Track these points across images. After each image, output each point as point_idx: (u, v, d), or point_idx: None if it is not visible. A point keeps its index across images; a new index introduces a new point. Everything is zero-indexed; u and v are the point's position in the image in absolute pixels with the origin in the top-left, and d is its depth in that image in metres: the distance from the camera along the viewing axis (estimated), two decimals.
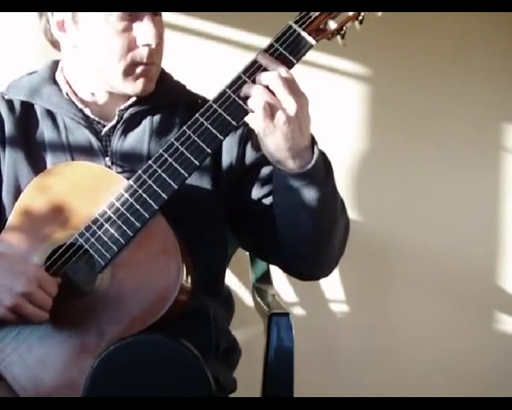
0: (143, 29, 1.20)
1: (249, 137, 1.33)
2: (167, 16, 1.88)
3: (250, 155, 1.32)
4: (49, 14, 1.24)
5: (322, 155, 1.18)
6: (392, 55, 2.12)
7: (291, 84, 1.12)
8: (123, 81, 1.24)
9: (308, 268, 1.31)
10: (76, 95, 1.29)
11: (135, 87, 1.25)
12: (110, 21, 1.19)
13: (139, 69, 1.23)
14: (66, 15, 1.22)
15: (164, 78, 1.34)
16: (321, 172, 1.16)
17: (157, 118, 1.30)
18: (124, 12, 1.18)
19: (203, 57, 2.01)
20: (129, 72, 1.23)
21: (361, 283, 2.16)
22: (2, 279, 1.11)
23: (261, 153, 1.20)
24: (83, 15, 1.21)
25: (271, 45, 1.16)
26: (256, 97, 1.11)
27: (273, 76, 1.11)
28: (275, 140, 1.12)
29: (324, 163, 1.18)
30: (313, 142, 1.17)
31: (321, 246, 1.24)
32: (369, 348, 2.16)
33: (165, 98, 1.31)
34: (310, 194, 1.16)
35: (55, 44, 1.30)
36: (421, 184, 2.17)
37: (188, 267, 1.15)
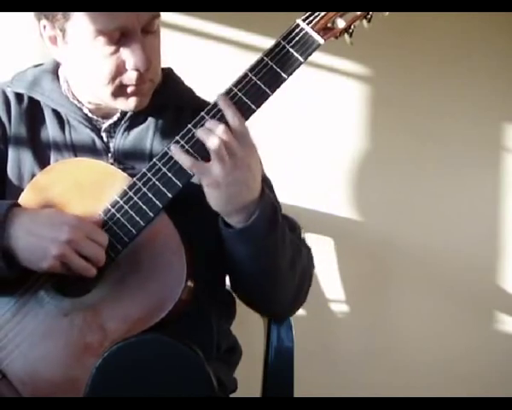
0: (132, 53, 1.17)
1: None
2: (167, 16, 1.89)
3: None
4: (42, 27, 1.22)
5: (270, 206, 1.16)
6: (393, 55, 2.12)
7: (240, 136, 1.11)
8: (114, 100, 1.22)
9: (258, 308, 1.32)
10: (74, 94, 1.29)
11: (126, 105, 1.23)
12: (97, 46, 1.16)
13: (129, 89, 1.21)
14: (57, 33, 1.19)
15: (173, 80, 1.33)
16: (260, 228, 1.15)
17: (162, 118, 1.29)
18: (111, 37, 1.15)
19: (203, 57, 2.01)
20: (118, 93, 1.21)
21: (361, 283, 2.16)
22: (46, 231, 1.09)
23: None
24: (72, 36, 1.18)
25: (279, 43, 1.16)
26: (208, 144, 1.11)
27: (214, 138, 1.10)
28: (217, 195, 1.12)
29: (270, 214, 1.16)
30: (262, 194, 1.16)
31: (263, 292, 1.24)
32: (369, 348, 2.16)
33: (171, 100, 1.30)
34: (246, 248, 1.16)
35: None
36: (421, 183, 2.17)
37: (191, 267, 1.14)
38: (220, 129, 1.11)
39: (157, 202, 1.13)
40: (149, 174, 1.14)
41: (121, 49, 1.17)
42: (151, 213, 1.13)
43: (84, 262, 1.10)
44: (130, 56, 1.17)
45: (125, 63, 1.18)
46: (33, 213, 1.14)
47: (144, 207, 1.14)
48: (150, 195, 1.14)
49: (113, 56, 1.17)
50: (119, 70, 1.18)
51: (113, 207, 1.14)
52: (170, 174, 1.14)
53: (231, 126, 1.11)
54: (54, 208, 1.16)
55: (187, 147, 1.14)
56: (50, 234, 1.09)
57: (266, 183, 1.32)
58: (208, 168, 1.11)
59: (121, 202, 1.14)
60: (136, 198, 1.14)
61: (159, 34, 1.23)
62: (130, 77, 1.19)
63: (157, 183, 1.14)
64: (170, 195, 1.13)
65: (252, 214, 1.14)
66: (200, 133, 1.12)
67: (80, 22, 1.14)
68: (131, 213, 1.14)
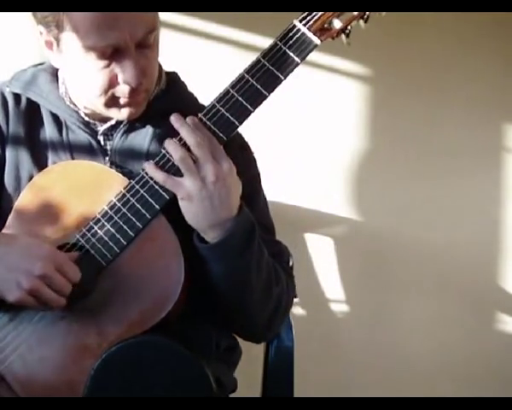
0: (124, 69, 1.15)
1: (248, 163, 1.33)
2: (167, 16, 1.89)
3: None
4: (38, 32, 1.20)
5: (247, 226, 1.15)
6: (392, 55, 2.12)
7: (212, 150, 1.11)
8: (106, 110, 1.21)
9: (229, 328, 1.31)
10: (70, 98, 1.28)
11: (119, 115, 1.22)
12: (89, 59, 1.14)
13: (122, 101, 1.19)
14: (52, 40, 1.18)
15: (176, 86, 1.33)
16: (233, 246, 1.14)
17: (161, 123, 1.26)
18: (103, 52, 1.13)
19: (203, 57, 2.01)
20: (111, 103, 1.20)
21: (361, 283, 2.16)
22: (19, 262, 1.09)
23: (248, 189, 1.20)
24: (65, 46, 1.17)
25: (275, 44, 1.15)
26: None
27: (193, 144, 1.11)
28: (192, 210, 1.12)
29: (245, 236, 1.15)
30: (240, 210, 1.15)
31: (232, 313, 1.23)
32: (369, 348, 2.16)
33: (172, 106, 1.29)
34: (218, 265, 1.15)
35: None
36: (421, 183, 2.17)
37: (188, 268, 1.14)
38: (187, 141, 1.12)
39: (154, 204, 1.13)
40: (147, 177, 1.14)
41: (114, 64, 1.15)
42: (148, 215, 1.13)
43: (55, 295, 1.09)
44: (121, 72, 1.15)
45: (117, 76, 1.16)
46: (8, 241, 1.14)
47: (142, 209, 1.14)
48: (148, 197, 1.14)
49: (105, 70, 1.16)
50: (112, 83, 1.17)
51: (110, 209, 1.14)
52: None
53: (191, 143, 1.11)
54: (29, 238, 1.15)
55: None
56: (23, 266, 1.09)
57: (259, 199, 1.33)
58: (181, 182, 1.12)
59: (119, 205, 1.14)
60: (133, 200, 1.14)
61: (157, 46, 1.21)
62: (122, 90, 1.17)
63: (154, 185, 1.14)
64: (167, 197, 1.13)
65: (227, 232, 1.13)
66: (168, 146, 1.13)
67: (72, 35, 1.13)
68: (129, 215, 1.14)
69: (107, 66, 1.15)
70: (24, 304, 1.10)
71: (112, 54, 1.14)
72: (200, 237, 1.16)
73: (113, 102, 1.20)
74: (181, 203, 1.13)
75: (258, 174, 1.35)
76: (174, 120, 1.14)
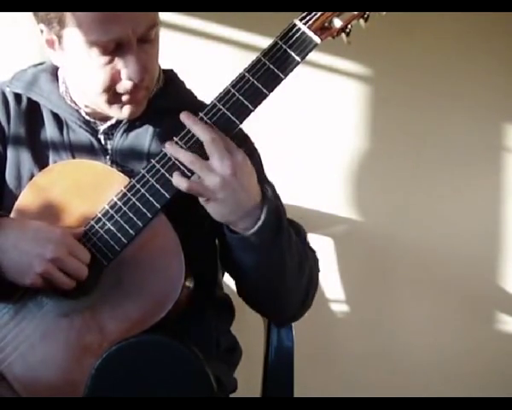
0: (127, 65, 1.15)
1: (251, 153, 1.33)
2: (167, 16, 1.89)
3: None
4: (39, 30, 1.20)
5: (274, 209, 1.15)
6: (392, 55, 2.12)
7: (224, 144, 1.11)
8: (108, 108, 1.21)
9: (265, 313, 1.33)
10: (71, 97, 1.28)
11: (121, 113, 1.22)
12: (92, 56, 1.15)
13: (124, 98, 1.20)
14: (54, 38, 1.18)
15: (174, 84, 1.33)
16: (267, 234, 1.14)
17: (161, 122, 1.27)
18: (106, 48, 1.13)
19: (203, 57, 2.01)
20: (113, 100, 1.20)
21: (361, 283, 2.16)
22: (31, 247, 1.10)
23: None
24: (68, 44, 1.17)
25: (276, 43, 1.15)
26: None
27: (208, 141, 1.10)
28: (219, 208, 1.12)
29: (275, 219, 1.15)
30: (264, 197, 1.15)
31: (270, 298, 1.23)
32: (368, 348, 2.16)
33: (171, 104, 1.29)
34: (254, 254, 1.15)
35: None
36: (421, 183, 2.17)
37: (189, 268, 1.14)
38: (202, 138, 1.11)
39: (155, 203, 1.13)
40: (148, 176, 1.14)
41: (116, 59, 1.16)
42: (149, 214, 1.13)
43: (67, 278, 1.10)
44: (124, 67, 1.16)
45: (119, 73, 1.16)
46: (20, 226, 1.14)
47: (142, 208, 1.14)
48: (148, 196, 1.13)
49: (107, 66, 1.16)
50: (114, 79, 1.17)
51: (111, 208, 1.14)
52: (168, 175, 1.13)
53: (206, 140, 1.11)
54: (41, 222, 1.15)
55: (185, 149, 1.13)
56: (35, 250, 1.10)
57: (269, 184, 1.32)
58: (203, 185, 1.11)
59: (120, 204, 1.14)
60: (134, 199, 1.14)
61: (157, 41, 1.21)
62: (124, 86, 1.18)
63: (155, 184, 1.14)
64: (168, 196, 1.13)
65: (257, 220, 1.13)
66: (175, 153, 1.12)
67: (75, 31, 1.13)
68: (130, 214, 1.14)
69: (110, 62, 1.16)
70: (38, 287, 1.11)
71: (114, 49, 1.14)
72: (230, 229, 1.16)
73: (114, 99, 1.20)
74: (206, 206, 1.13)
75: (261, 161, 1.35)
76: (185, 117, 1.13)
